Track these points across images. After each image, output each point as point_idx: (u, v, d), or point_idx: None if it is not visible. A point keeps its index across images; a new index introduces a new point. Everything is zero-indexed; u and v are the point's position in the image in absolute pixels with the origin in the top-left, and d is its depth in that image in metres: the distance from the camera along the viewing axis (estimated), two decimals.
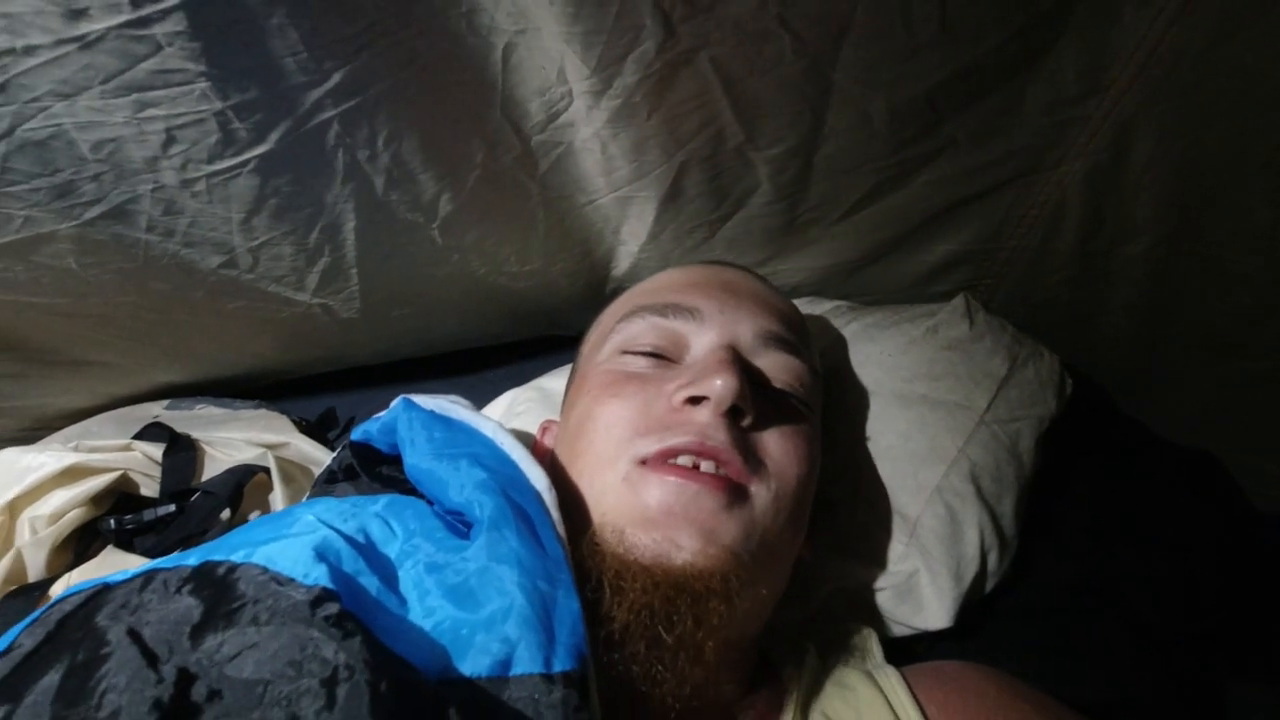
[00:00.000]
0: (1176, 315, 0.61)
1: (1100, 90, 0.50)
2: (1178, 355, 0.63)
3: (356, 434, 0.51)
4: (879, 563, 0.55)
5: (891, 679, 0.45)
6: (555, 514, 0.38)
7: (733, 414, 0.42)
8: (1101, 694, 0.53)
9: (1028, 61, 0.49)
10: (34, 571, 0.57)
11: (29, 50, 0.37)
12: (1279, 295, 0.53)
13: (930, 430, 0.57)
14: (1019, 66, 0.50)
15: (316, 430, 0.75)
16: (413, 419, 0.45)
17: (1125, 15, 0.46)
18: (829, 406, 0.56)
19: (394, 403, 0.49)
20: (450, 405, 0.47)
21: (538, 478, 0.40)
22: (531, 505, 0.37)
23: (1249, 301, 0.55)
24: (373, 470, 0.50)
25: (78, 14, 0.36)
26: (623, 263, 0.70)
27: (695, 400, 0.42)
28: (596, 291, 0.74)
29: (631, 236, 0.66)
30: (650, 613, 0.37)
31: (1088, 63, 0.49)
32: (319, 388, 0.81)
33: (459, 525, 0.38)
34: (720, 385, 0.41)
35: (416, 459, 0.42)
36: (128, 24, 0.37)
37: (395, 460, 0.49)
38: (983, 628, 0.57)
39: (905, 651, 0.54)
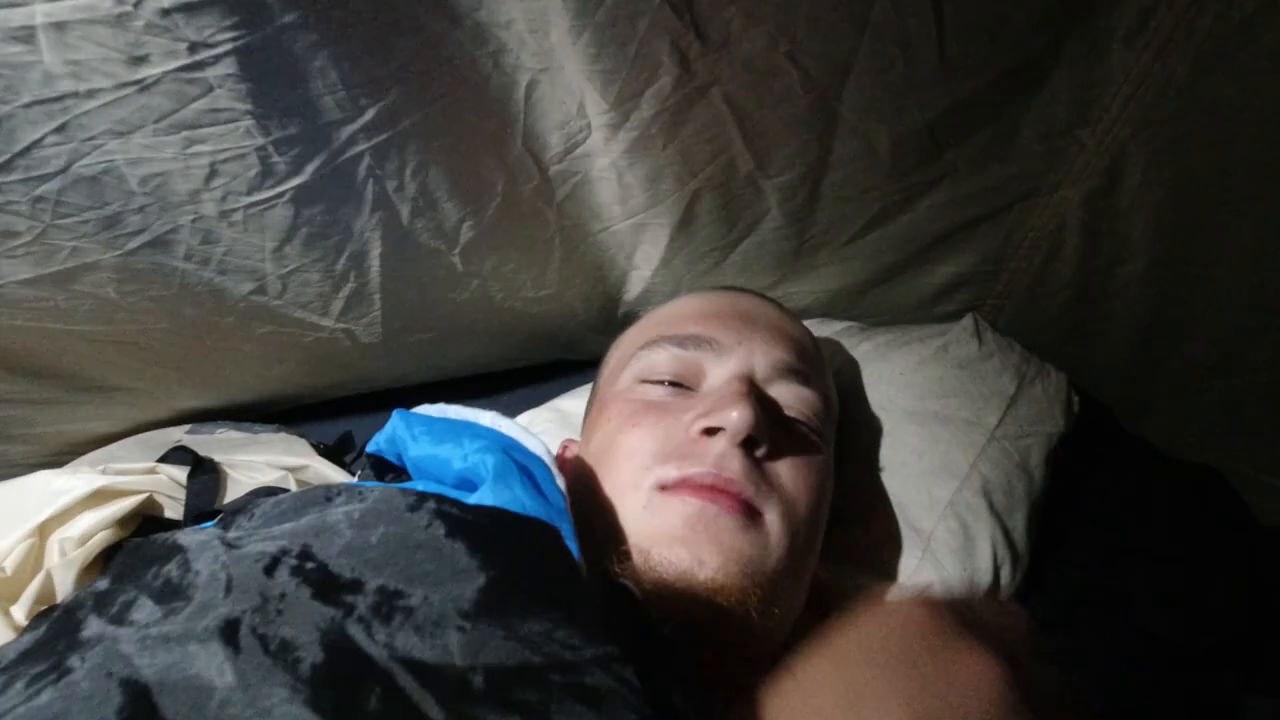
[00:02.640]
0: (1175, 333, 0.63)
1: (1091, 121, 0.53)
2: (1179, 372, 0.65)
3: (370, 447, 0.52)
4: (893, 577, 0.57)
5: None
6: (555, 470, 0.39)
7: (747, 444, 0.44)
8: (1114, 708, 0.54)
9: (1022, 95, 0.52)
10: (63, 592, 0.58)
11: (91, 93, 0.40)
12: (1270, 313, 0.55)
13: (942, 446, 0.59)
14: (1013, 99, 0.52)
15: (335, 453, 0.76)
16: (411, 421, 0.46)
17: (1112, 52, 0.48)
18: (843, 424, 0.57)
19: (391, 417, 0.51)
20: (445, 407, 0.49)
21: (536, 446, 0.41)
22: (533, 462, 0.39)
23: (1244, 318, 0.57)
24: (383, 479, 0.51)
25: (139, 60, 0.38)
26: (635, 288, 0.72)
27: (711, 431, 0.44)
28: (609, 316, 0.76)
29: (644, 262, 0.68)
30: (674, 625, 0.38)
31: (1078, 95, 0.51)
32: (337, 412, 0.82)
33: (467, 492, 0.39)
34: (736, 417, 0.43)
35: (418, 450, 0.43)
36: (183, 68, 0.39)
37: (404, 471, 0.50)
38: None
39: None
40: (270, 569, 0.25)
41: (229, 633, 0.23)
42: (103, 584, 0.28)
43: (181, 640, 0.23)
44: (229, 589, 0.25)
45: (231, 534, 0.29)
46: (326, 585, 0.25)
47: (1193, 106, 0.48)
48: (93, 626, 0.25)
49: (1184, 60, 0.46)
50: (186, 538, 0.29)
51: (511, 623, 0.24)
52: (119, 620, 0.25)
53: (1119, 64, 0.49)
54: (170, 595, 0.25)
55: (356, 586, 0.25)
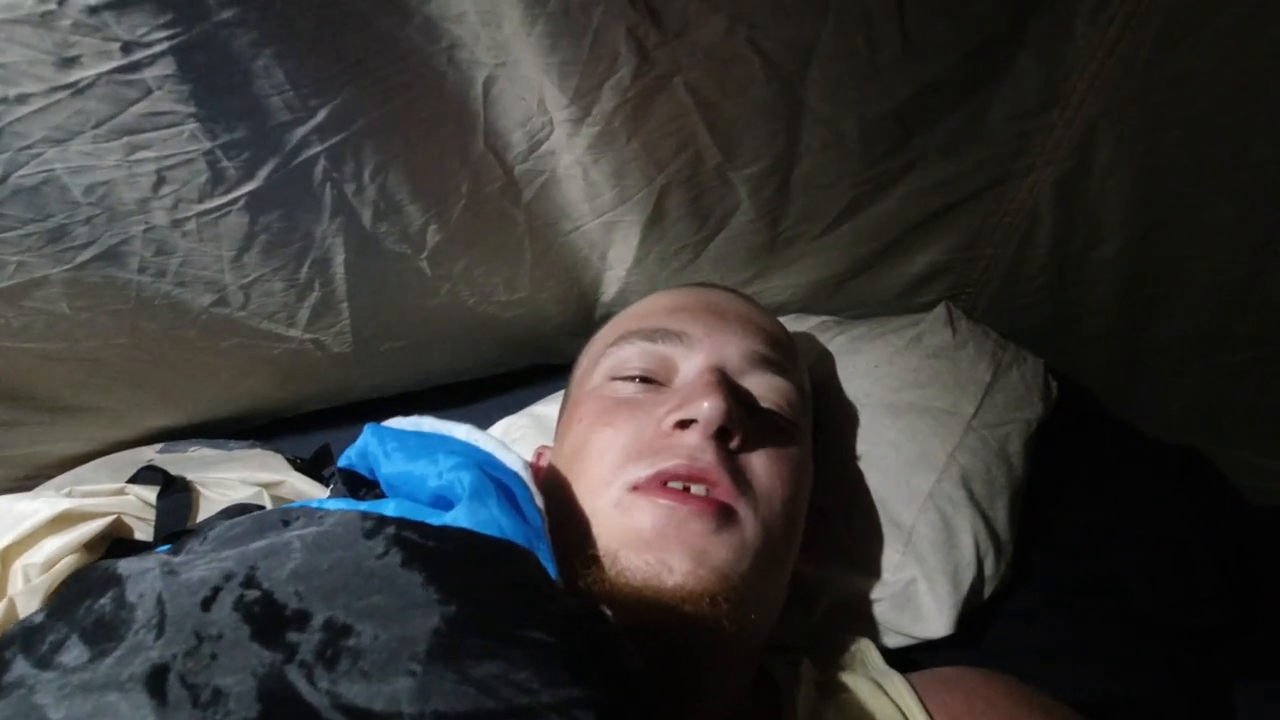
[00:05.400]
0: (1153, 314, 0.62)
1: (1060, 101, 0.52)
2: (1158, 354, 0.64)
3: (342, 461, 0.51)
4: (876, 573, 0.55)
5: (897, 684, 0.45)
6: (534, 488, 0.38)
7: (721, 435, 0.43)
8: (1106, 694, 0.53)
9: (989, 76, 0.51)
10: None
11: (22, 99, 0.38)
12: (1248, 291, 0.55)
13: (920, 438, 0.58)
14: (981, 81, 0.51)
15: (311, 468, 0.75)
16: (384, 436, 0.45)
17: (1077, 29, 0.48)
18: (820, 419, 0.56)
19: (363, 431, 0.49)
20: (420, 420, 0.48)
21: (513, 461, 0.40)
22: (511, 479, 0.38)
23: (1220, 297, 0.56)
24: (357, 495, 0.50)
25: (69, 62, 0.37)
26: (610, 288, 0.71)
27: (684, 424, 0.43)
28: (586, 318, 0.75)
29: (618, 261, 0.67)
30: (643, 633, 0.37)
31: (1045, 75, 0.51)
32: (313, 425, 0.81)
33: (442, 511, 0.38)
34: (708, 408, 0.42)
35: (391, 467, 0.42)
36: (118, 70, 0.38)
37: (377, 484, 0.49)
38: (984, 634, 0.56)
39: (907, 661, 0.54)
40: (209, 602, 0.24)
41: (156, 681, 0.21)
42: (38, 618, 0.26)
43: (103, 689, 0.21)
44: (161, 628, 0.23)
45: (179, 559, 0.28)
46: (269, 621, 0.23)
47: (1161, 82, 0.48)
48: (17, 669, 0.23)
49: (1149, 34, 0.46)
50: (127, 566, 0.27)
51: (465, 665, 0.23)
52: (44, 663, 0.23)
53: (1085, 41, 0.48)
54: (101, 634, 0.24)
55: (302, 621, 0.23)
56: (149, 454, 0.73)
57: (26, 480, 0.71)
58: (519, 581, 0.27)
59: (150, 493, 0.64)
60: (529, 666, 0.23)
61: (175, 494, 0.65)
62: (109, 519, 0.61)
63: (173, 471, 0.67)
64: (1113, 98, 0.50)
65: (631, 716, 0.24)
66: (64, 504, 0.59)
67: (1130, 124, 0.51)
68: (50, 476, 0.71)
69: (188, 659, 0.22)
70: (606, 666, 0.25)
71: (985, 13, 0.47)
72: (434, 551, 0.26)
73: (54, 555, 0.58)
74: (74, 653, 0.23)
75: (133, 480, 0.66)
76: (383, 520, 0.27)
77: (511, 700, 0.22)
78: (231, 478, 0.68)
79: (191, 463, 0.72)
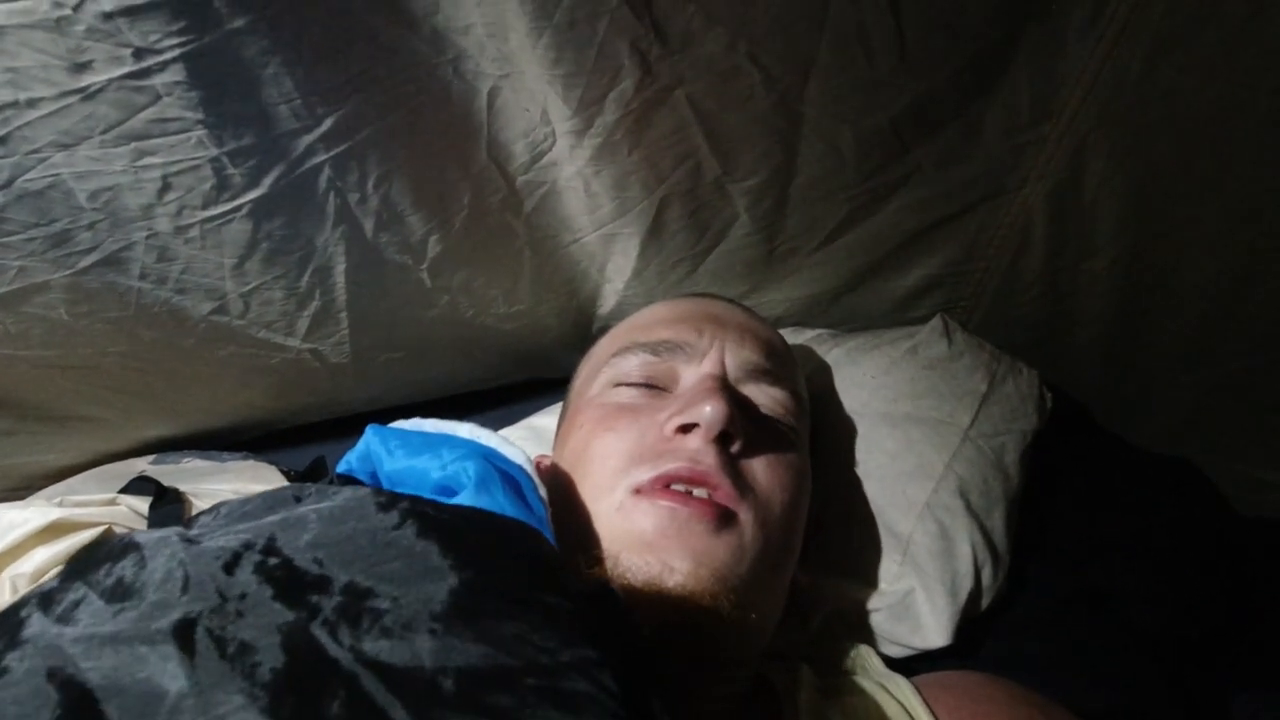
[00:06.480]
0: (1144, 327, 0.63)
1: (1052, 115, 0.54)
2: (1149, 366, 0.65)
3: (341, 467, 0.51)
4: (874, 583, 0.55)
5: (902, 686, 0.45)
6: (537, 479, 0.38)
7: (722, 440, 0.44)
8: (1104, 704, 0.53)
9: (983, 89, 0.52)
10: None
11: (32, 103, 0.38)
12: (1237, 302, 0.56)
13: (917, 448, 0.58)
14: (975, 94, 0.53)
15: (307, 480, 0.74)
16: (386, 435, 0.45)
17: (1069, 44, 0.49)
18: (817, 431, 0.57)
19: (365, 433, 0.49)
20: (421, 421, 0.48)
21: (516, 455, 0.40)
22: (515, 470, 0.38)
23: (1210, 310, 0.57)
24: None
25: (82, 67, 0.37)
26: (608, 301, 0.71)
27: (686, 428, 0.44)
28: (583, 331, 0.75)
29: (616, 274, 0.68)
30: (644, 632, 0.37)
31: (1038, 89, 0.52)
32: (308, 438, 0.80)
33: (447, 498, 0.38)
34: (710, 412, 0.43)
35: (394, 464, 0.42)
36: (129, 75, 0.38)
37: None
38: (981, 645, 0.56)
39: (906, 672, 0.54)
40: (231, 566, 0.25)
41: (183, 634, 0.22)
42: (53, 583, 0.26)
43: (130, 641, 0.22)
44: (185, 587, 0.24)
45: (193, 531, 0.28)
46: (291, 584, 0.24)
47: (1150, 97, 0.49)
48: (35, 625, 0.24)
49: (1139, 51, 0.47)
50: (143, 536, 0.28)
51: (485, 624, 0.23)
52: (65, 619, 0.24)
53: (1076, 56, 0.49)
54: (122, 594, 0.24)
55: (323, 585, 0.24)
56: (141, 465, 0.73)
57: (18, 490, 0.70)
58: (532, 554, 0.28)
59: (142, 503, 0.63)
60: (546, 628, 0.23)
61: (167, 505, 0.64)
62: (100, 529, 0.60)
63: (165, 483, 0.67)
64: (1103, 113, 0.51)
65: (645, 681, 0.24)
66: (55, 514, 0.59)
67: (1120, 139, 0.52)
68: (43, 487, 0.70)
69: (213, 615, 0.22)
70: (619, 634, 0.25)
71: (979, 25, 0.48)
72: (448, 524, 0.27)
73: (43, 566, 0.57)
74: (94, 609, 0.23)
75: (125, 491, 0.65)
76: (395, 496, 0.27)
77: (532, 659, 0.23)
78: (224, 489, 0.67)
79: (184, 474, 0.71)
